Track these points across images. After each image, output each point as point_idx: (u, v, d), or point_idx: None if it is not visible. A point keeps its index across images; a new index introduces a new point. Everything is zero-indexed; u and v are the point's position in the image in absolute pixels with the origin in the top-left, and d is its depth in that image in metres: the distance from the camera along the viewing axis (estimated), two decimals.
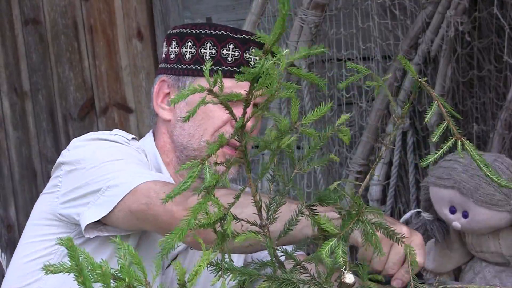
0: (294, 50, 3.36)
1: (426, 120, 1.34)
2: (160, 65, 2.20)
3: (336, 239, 1.31)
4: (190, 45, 2.10)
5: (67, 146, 2.12)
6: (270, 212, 1.36)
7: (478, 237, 2.17)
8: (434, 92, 1.36)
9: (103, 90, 4.23)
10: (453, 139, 1.34)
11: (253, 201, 1.37)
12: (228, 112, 1.33)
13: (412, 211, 2.30)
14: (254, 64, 1.90)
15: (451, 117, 1.35)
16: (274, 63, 1.24)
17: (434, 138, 1.33)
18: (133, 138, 2.13)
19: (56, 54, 4.22)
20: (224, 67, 2.06)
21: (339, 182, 1.44)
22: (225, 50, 2.08)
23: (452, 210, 2.13)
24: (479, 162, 1.31)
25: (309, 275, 1.46)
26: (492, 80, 3.24)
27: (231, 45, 2.08)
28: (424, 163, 1.35)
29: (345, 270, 1.37)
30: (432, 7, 3.29)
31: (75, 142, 2.10)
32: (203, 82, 2.01)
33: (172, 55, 2.14)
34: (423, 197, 2.22)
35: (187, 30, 2.13)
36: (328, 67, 3.60)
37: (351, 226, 1.35)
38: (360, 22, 3.52)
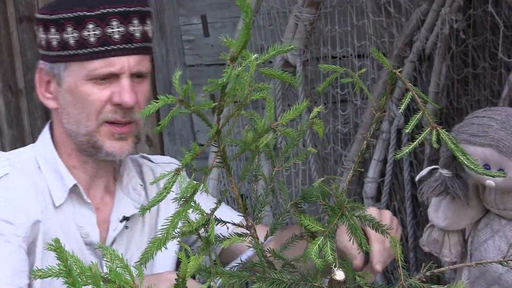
0: None
1: (400, 110, 1.35)
2: (39, 51, 2.10)
3: (323, 237, 1.31)
4: (53, 32, 1.99)
5: None
6: (255, 213, 1.36)
7: (503, 195, 2.11)
8: (408, 82, 1.36)
9: None
10: (428, 128, 1.33)
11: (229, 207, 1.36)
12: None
13: (429, 168, 2.24)
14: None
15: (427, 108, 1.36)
16: (241, 67, 1.23)
17: (408, 130, 1.34)
18: (6, 164, 2.03)
19: None
20: (110, 46, 1.97)
21: (322, 179, 1.43)
22: (85, 30, 1.97)
23: (486, 168, 2.06)
24: (455, 151, 1.31)
25: (298, 273, 1.46)
26: (487, 78, 3.23)
27: (114, 22, 1.97)
28: (398, 156, 1.35)
29: (334, 267, 1.36)
30: (426, 5, 3.28)
31: None
32: (74, 66, 1.97)
33: (43, 42, 2.03)
34: (445, 154, 2.16)
35: (48, 16, 2.00)
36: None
37: (335, 222, 1.35)
38: (355, 19, 3.52)
